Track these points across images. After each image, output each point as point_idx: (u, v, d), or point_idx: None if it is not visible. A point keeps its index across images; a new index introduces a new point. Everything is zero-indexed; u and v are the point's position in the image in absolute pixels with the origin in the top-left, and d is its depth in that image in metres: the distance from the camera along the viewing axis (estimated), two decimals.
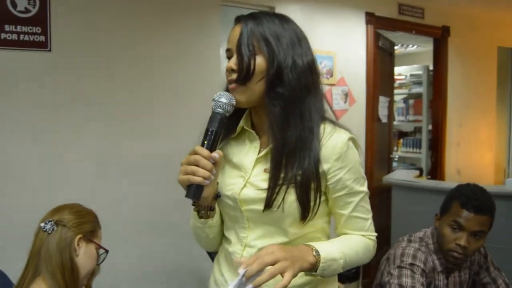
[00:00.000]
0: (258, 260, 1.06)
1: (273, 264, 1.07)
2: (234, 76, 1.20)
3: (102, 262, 1.62)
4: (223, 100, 1.18)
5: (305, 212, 1.21)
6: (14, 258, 1.67)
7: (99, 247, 1.60)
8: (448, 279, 2.03)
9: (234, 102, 1.19)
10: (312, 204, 1.22)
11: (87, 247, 1.55)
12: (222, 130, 1.18)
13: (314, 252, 1.16)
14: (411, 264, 1.91)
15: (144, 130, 2.90)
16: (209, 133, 1.16)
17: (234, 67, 1.20)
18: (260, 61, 1.19)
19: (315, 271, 1.16)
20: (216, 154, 1.14)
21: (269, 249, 1.10)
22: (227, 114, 1.18)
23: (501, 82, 5.52)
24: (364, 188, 1.29)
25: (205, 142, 1.15)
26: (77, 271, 1.51)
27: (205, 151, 1.13)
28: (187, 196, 1.13)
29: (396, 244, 2.08)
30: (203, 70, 3.09)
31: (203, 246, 1.43)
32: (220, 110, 1.17)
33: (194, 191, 1.13)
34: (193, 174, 1.11)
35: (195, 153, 1.13)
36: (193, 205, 1.25)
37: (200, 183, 1.12)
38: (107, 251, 1.62)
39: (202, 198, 1.18)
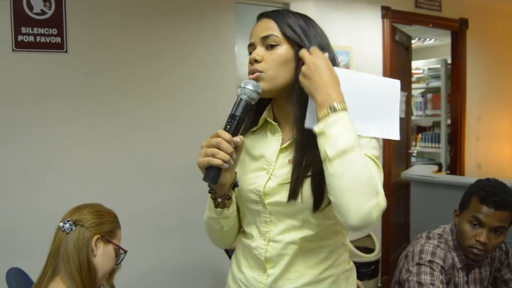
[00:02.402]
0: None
1: None
2: (256, 66, 1.22)
3: (120, 262, 1.63)
4: (249, 87, 1.19)
5: (317, 202, 1.19)
6: (33, 256, 1.69)
7: (117, 247, 1.61)
8: (468, 276, 2.00)
9: (260, 90, 1.20)
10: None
11: (105, 247, 1.56)
12: (246, 117, 1.19)
13: (341, 104, 1.10)
14: (430, 261, 1.88)
15: (160, 128, 2.91)
16: (232, 118, 1.16)
17: (258, 57, 1.22)
18: (287, 49, 1.22)
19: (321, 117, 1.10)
20: (238, 138, 1.14)
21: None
22: (252, 102, 1.19)
23: None
24: (375, 154, 1.18)
25: (228, 126, 1.15)
26: (95, 271, 1.52)
27: (227, 135, 1.13)
28: (204, 179, 1.13)
29: (415, 241, 2.05)
30: (218, 67, 3.09)
31: (216, 240, 1.41)
32: (246, 97, 1.18)
33: (212, 174, 1.12)
34: (213, 156, 1.11)
35: (217, 136, 1.13)
36: (209, 192, 1.25)
37: (219, 166, 1.12)
38: (125, 252, 1.64)
39: (219, 184, 1.18)
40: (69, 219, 1.54)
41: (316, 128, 1.11)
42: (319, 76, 1.12)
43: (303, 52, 1.18)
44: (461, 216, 1.96)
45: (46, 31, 2.53)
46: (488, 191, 1.90)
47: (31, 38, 2.50)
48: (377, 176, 1.12)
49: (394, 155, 4.16)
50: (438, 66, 5.45)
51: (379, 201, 1.06)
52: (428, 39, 6.30)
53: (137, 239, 2.71)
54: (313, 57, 1.15)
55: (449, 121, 5.08)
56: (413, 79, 5.54)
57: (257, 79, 1.21)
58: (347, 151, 1.05)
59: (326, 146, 1.08)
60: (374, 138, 1.23)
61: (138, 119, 2.85)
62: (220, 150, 1.11)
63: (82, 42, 2.64)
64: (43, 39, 2.53)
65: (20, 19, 2.47)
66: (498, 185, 1.94)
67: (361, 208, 1.03)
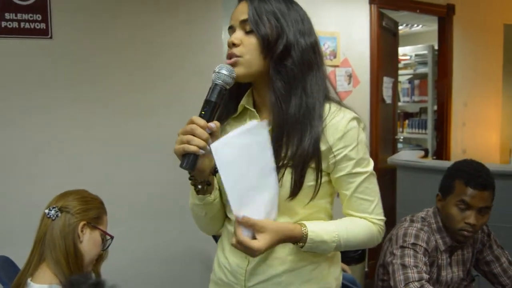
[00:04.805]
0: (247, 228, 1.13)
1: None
2: (234, 50, 1.22)
3: (107, 248, 1.63)
4: (224, 71, 1.18)
5: (295, 190, 1.22)
6: (20, 244, 1.69)
7: (104, 233, 1.61)
8: (451, 258, 2.04)
9: (234, 75, 1.20)
10: (312, 183, 1.23)
11: (91, 233, 1.56)
12: (221, 102, 1.19)
13: (303, 232, 1.20)
14: (414, 244, 1.91)
15: (148, 114, 2.90)
16: (207, 103, 1.16)
17: (236, 41, 1.22)
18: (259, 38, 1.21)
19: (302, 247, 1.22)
20: (213, 124, 1.14)
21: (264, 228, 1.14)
22: (227, 86, 1.19)
23: (508, 60, 5.44)
24: (368, 168, 1.29)
25: (203, 112, 1.15)
26: (81, 258, 1.52)
27: (201, 121, 1.13)
28: (181, 166, 1.13)
29: (399, 224, 2.08)
30: (206, 54, 3.07)
31: (202, 227, 1.43)
32: (220, 81, 1.17)
33: (188, 161, 1.12)
34: (188, 143, 1.11)
35: (192, 122, 1.13)
36: (190, 179, 1.25)
37: (194, 152, 1.11)
38: (112, 237, 1.64)
39: (198, 170, 1.18)
40: (54, 206, 1.54)
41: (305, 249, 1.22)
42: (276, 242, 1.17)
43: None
44: (447, 201, 1.98)
45: (31, 17, 2.50)
46: (472, 173, 1.93)
47: (15, 24, 2.47)
48: (375, 193, 1.31)
49: (380, 141, 4.19)
50: (425, 52, 5.48)
51: (379, 237, 1.32)
52: (415, 25, 6.32)
53: (128, 225, 2.72)
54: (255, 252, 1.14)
55: (435, 107, 5.12)
56: (400, 65, 5.57)
57: (233, 64, 1.21)
58: (339, 246, 1.24)
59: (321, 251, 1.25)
60: (361, 140, 1.26)
61: (128, 105, 2.83)
62: (195, 136, 1.11)
63: (68, 28, 2.61)
64: (27, 25, 2.49)
65: (4, 4, 2.43)
66: (479, 166, 1.98)
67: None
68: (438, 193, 2.05)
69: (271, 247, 1.15)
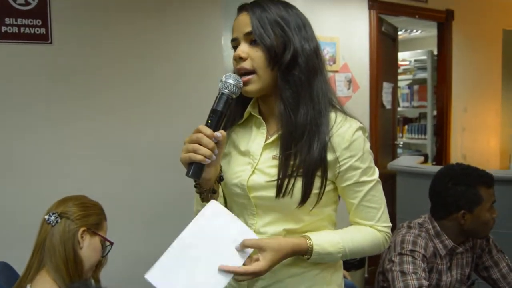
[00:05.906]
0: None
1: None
2: (243, 64, 1.22)
3: (107, 254, 1.63)
4: (230, 81, 1.18)
5: (304, 198, 1.22)
6: (20, 250, 1.69)
7: (104, 239, 1.61)
8: (451, 262, 2.04)
9: (241, 84, 1.20)
10: (317, 191, 1.23)
11: (91, 239, 1.56)
12: (227, 111, 1.19)
13: (309, 245, 1.21)
14: (412, 251, 1.92)
15: (147, 119, 2.90)
16: (213, 113, 1.16)
17: (243, 55, 1.21)
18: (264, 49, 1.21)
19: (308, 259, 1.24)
20: (219, 133, 1.14)
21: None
22: (234, 96, 1.19)
23: (507, 66, 5.45)
24: (374, 177, 1.30)
25: (209, 121, 1.15)
26: (81, 264, 1.52)
27: (207, 130, 1.13)
28: (187, 174, 1.14)
29: (396, 231, 2.09)
30: (206, 60, 3.08)
31: None
32: (227, 91, 1.17)
33: (194, 169, 1.13)
34: (194, 152, 1.11)
35: (198, 131, 1.13)
36: (195, 186, 1.25)
37: (200, 161, 1.12)
38: (112, 244, 1.63)
39: (204, 179, 1.18)
40: (54, 212, 1.54)
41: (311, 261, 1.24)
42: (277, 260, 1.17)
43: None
44: (476, 212, 1.97)
45: (31, 22, 2.50)
46: (485, 174, 1.99)
47: (15, 29, 2.47)
48: (382, 200, 1.31)
49: (380, 146, 4.19)
50: (425, 57, 5.49)
51: (385, 244, 1.32)
52: (414, 31, 6.33)
53: (128, 231, 2.71)
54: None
55: (435, 113, 5.12)
56: (400, 70, 5.58)
57: (246, 82, 1.21)
58: (345, 256, 1.26)
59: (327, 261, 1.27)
60: (366, 149, 1.28)
61: (126, 111, 2.83)
62: (201, 145, 1.11)
63: (68, 33, 2.62)
64: (27, 30, 2.50)
65: (4, 10, 2.44)
66: (471, 166, 2.05)
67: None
68: (461, 211, 1.98)
69: (274, 264, 1.16)
